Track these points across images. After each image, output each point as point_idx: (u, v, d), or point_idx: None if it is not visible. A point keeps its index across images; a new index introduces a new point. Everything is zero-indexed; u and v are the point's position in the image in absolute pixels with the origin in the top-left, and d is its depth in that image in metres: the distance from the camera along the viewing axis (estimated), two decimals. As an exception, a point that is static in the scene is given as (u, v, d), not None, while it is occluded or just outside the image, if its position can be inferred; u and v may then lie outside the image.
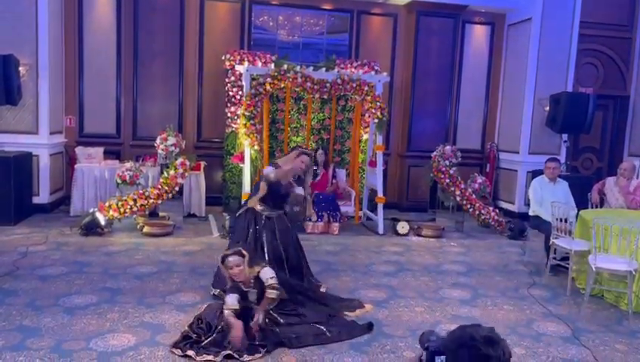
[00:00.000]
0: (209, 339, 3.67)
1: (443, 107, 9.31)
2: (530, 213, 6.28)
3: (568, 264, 5.32)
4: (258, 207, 4.73)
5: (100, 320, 4.04)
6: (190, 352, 3.54)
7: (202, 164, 8.04)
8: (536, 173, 7.51)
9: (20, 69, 7.03)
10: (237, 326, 3.63)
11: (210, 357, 3.52)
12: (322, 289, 4.93)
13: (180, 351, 3.57)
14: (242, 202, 5.59)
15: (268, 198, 4.73)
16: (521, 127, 8.99)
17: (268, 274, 3.89)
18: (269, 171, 4.64)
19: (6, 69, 6.62)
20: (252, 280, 3.89)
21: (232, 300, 3.76)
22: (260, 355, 3.62)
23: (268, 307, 3.90)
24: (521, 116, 9.01)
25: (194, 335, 3.70)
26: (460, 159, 7.94)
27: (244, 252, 3.89)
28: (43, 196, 7.60)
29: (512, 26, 9.40)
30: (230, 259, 3.83)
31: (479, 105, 9.76)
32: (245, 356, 3.56)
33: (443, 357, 1.66)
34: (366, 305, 4.61)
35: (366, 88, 7.41)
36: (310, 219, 7.21)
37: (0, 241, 6.10)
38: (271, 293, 3.83)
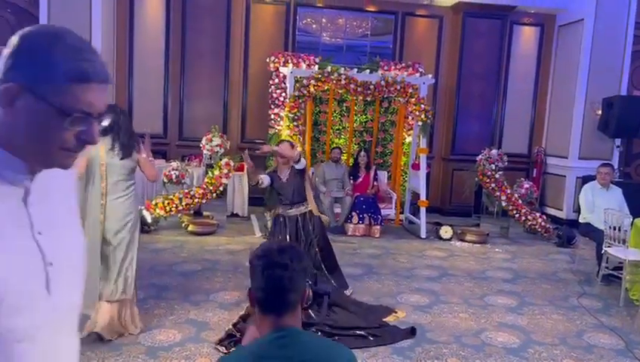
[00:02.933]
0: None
1: (489, 110, 9.12)
2: (581, 220, 6.08)
3: (621, 274, 5.11)
4: (279, 210, 4.77)
5: (148, 316, 4.13)
6: (234, 350, 3.59)
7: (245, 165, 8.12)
8: (586, 179, 7.27)
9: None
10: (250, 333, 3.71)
11: (254, 356, 3.55)
12: (348, 292, 4.86)
13: (224, 348, 3.62)
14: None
15: (280, 196, 4.77)
16: (571, 131, 8.71)
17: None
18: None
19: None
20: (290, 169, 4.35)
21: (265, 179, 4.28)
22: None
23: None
24: (571, 120, 8.73)
25: (238, 334, 3.74)
26: (506, 163, 7.75)
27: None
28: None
29: (563, 27, 9.13)
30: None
31: (526, 108, 9.52)
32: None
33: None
34: (398, 310, 4.52)
35: (410, 90, 7.34)
36: (348, 219, 7.22)
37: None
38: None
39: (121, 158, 3.64)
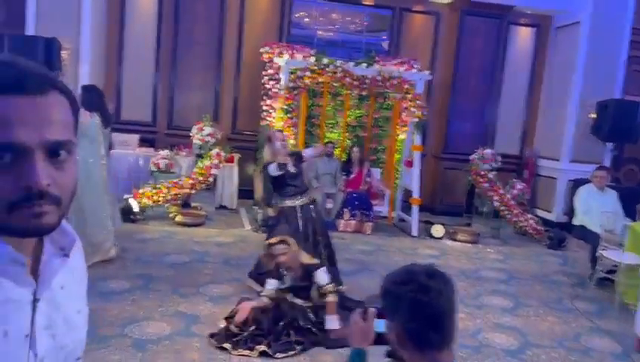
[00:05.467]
0: (246, 334, 3.57)
1: (482, 109, 9.07)
2: (575, 223, 6.03)
3: (614, 277, 5.08)
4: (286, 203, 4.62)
5: (135, 307, 3.98)
6: (227, 345, 3.46)
7: (236, 156, 7.97)
8: (577, 182, 7.25)
9: (62, 52, 7.05)
10: (244, 308, 3.69)
11: (246, 352, 3.43)
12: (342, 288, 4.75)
13: (217, 342, 3.49)
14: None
15: (279, 186, 4.62)
16: (564, 134, 8.69)
17: (323, 278, 3.81)
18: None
19: (49, 52, 6.64)
20: (299, 267, 3.82)
21: (270, 285, 3.80)
22: (294, 352, 3.51)
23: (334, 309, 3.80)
24: (563, 122, 8.71)
25: (235, 329, 3.61)
26: (500, 163, 7.70)
27: (289, 239, 3.79)
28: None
29: (559, 29, 9.10)
30: (276, 247, 3.76)
31: (520, 108, 9.49)
32: (279, 354, 3.46)
33: (382, 321, 1.43)
34: None
35: (406, 86, 7.24)
36: (340, 215, 7.12)
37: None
38: (331, 297, 3.79)
39: (105, 128, 4.97)
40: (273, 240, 3.83)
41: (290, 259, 3.77)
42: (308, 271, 3.82)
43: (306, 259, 3.88)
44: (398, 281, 1.29)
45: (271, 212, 4.69)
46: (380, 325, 1.45)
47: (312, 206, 4.70)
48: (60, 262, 0.84)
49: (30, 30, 7.19)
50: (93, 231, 4.83)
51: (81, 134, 4.71)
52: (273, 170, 4.50)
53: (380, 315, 1.45)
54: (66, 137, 0.75)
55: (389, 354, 1.37)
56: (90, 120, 4.80)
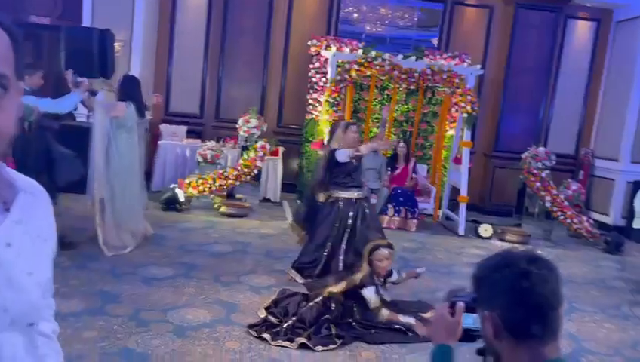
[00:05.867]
0: (285, 326, 3.52)
1: (536, 106, 8.71)
2: (635, 226, 5.68)
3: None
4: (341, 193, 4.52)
5: (177, 294, 3.99)
6: (266, 335, 3.41)
7: (280, 149, 7.95)
8: (637, 184, 6.83)
9: (115, 44, 7.20)
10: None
11: (286, 344, 3.37)
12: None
13: (255, 332, 3.44)
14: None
15: (337, 176, 4.49)
16: (623, 133, 8.23)
17: (370, 296, 3.81)
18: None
19: (103, 43, 6.76)
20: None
21: (373, 294, 3.82)
22: (335, 346, 3.42)
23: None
24: (623, 121, 8.24)
25: (274, 320, 3.56)
26: (553, 163, 7.35)
27: (392, 245, 3.82)
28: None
29: (621, 23, 8.62)
30: (381, 251, 3.76)
31: (576, 106, 9.05)
32: (319, 346, 3.39)
33: (471, 316, 1.28)
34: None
35: (457, 80, 7.01)
36: (384, 211, 6.96)
37: (81, 211, 6.25)
38: (385, 313, 3.83)
39: (140, 118, 5.08)
40: (383, 241, 3.84)
41: (385, 268, 3.83)
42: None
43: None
44: (494, 267, 1.16)
45: (321, 198, 4.56)
46: (469, 320, 1.32)
47: (365, 203, 4.61)
48: None
49: (86, 22, 7.38)
50: (132, 219, 4.94)
51: (118, 125, 4.85)
52: (343, 156, 4.37)
53: (468, 309, 1.32)
54: (1, 70, 0.70)
55: (482, 352, 1.26)
56: (126, 110, 4.89)
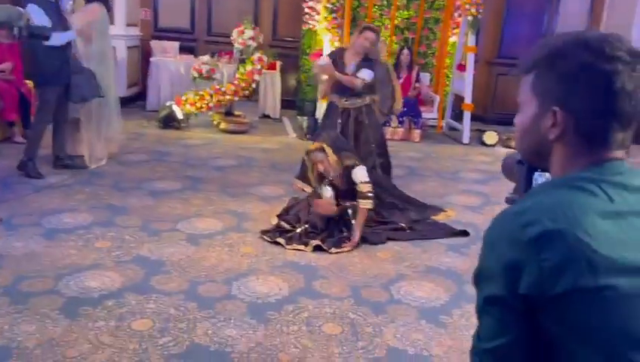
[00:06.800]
0: (300, 230, 3.48)
1: (541, 11, 8.33)
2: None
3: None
4: (332, 98, 4.26)
5: (186, 205, 3.94)
6: (280, 240, 3.38)
7: (278, 63, 7.66)
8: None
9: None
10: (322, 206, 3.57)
11: (301, 247, 3.34)
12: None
13: (269, 238, 3.41)
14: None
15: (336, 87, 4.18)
16: (632, 31, 7.93)
17: (360, 175, 3.46)
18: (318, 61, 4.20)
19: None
20: (341, 174, 3.56)
21: (327, 192, 3.60)
22: (349, 249, 3.40)
23: (363, 223, 3.49)
24: (632, 17, 7.92)
25: (287, 226, 3.52)
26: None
27: (325, 146, 3.52)
28: (120, 89, 7.46)
29: None
30: (313, 155, 3.54)
31: (582, 12, 8.66)
32: (333, 248, 3.37)
33: (547, 174, 1.01)
34: (447, 209, 4.25)
35: (461, -19, 6.65)
36: (387, 122, 6.74)
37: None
38: (365, 203, 3.45)
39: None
40: (312, 147, 3.60)
41: (328, 166, 3.52)
42: (349, 173, 3.58)
43: (348, 161, 3.60)
44: (569, 42, 0.88)
45: (323, 102, 4.37)
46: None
47: (366, 111, 4.36)
48: None
49: None
50: (111, 123, 4.89)
51: (93, 28, 4.61)
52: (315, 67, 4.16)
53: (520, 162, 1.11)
54: None
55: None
56: (100, 11, 4.64)
